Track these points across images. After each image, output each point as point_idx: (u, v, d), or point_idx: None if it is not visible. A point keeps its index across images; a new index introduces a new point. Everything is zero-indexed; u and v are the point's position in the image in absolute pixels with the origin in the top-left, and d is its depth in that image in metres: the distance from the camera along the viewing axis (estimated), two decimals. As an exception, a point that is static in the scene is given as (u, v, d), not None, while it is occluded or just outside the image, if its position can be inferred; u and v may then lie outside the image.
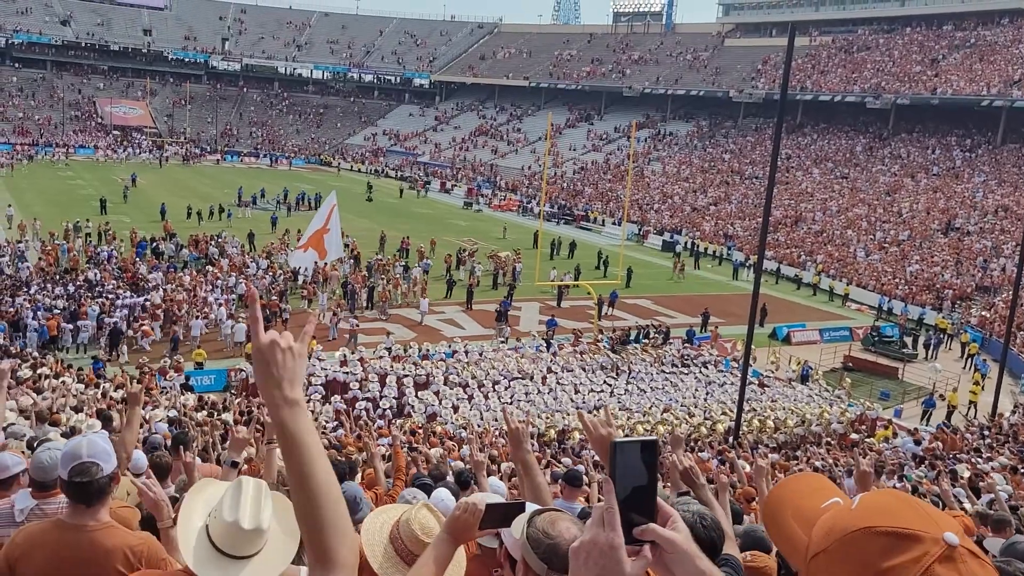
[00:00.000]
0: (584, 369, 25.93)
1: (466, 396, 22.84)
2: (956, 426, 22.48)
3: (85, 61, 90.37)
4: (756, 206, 52.07)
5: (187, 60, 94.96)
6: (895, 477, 13.36)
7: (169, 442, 7.98)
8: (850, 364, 30.02)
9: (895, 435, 21.68)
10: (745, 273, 42.28)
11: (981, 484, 10.39)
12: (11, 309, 25.14)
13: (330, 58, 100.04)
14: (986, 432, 19.91)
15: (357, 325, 28.52)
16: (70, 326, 24.95)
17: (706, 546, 2.81)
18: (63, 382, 15.59)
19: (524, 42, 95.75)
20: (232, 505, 2.54)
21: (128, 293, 27.80)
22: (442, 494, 4.21)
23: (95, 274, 29.81)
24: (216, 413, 15.23)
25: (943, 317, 35.33)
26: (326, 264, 31.90)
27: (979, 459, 15.78)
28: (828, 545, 1.09)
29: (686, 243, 49.49)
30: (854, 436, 21.55)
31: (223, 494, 2.62)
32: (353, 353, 25.21)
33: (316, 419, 17.09)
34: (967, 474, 13.43)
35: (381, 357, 24.79)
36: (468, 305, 32.27)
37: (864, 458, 5.52)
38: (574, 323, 31.00)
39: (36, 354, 21.24)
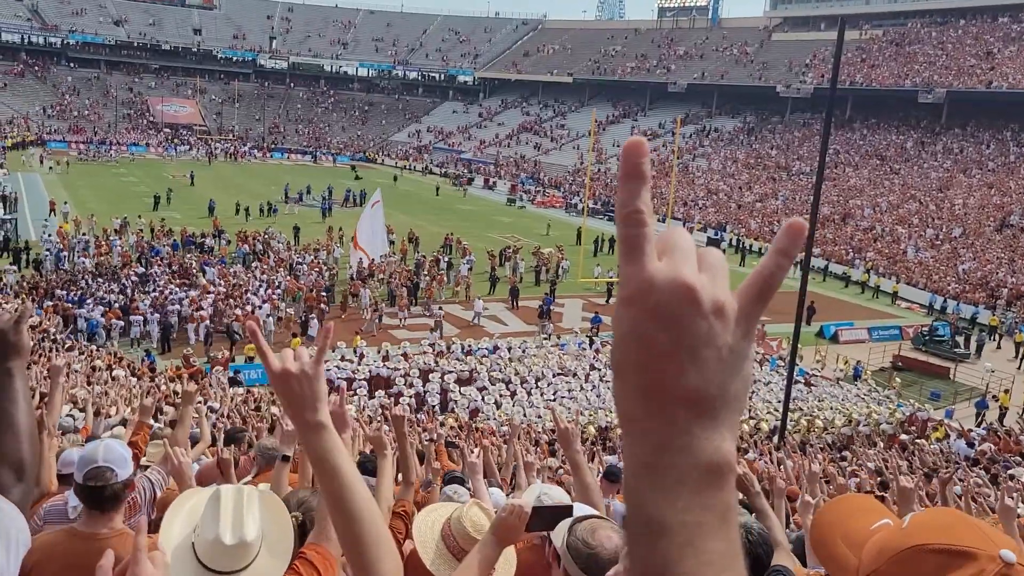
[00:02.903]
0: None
1: (508, 392, 22.90)
2: (1010, 428, 21.94)
3: (137, 60, 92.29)
4: (803, 202, 51.28)
5: (235, 59, 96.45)
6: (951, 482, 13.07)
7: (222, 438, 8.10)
8: (900, 363, 29.45)
9: (947, 436, 21.23)
10: (792, 270, 41.60)
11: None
12: (68, 304, 25.82)
13: (375, 56, 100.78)
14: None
15: (443, 313, 29.15)
16: (120, 322, 25.52)
17: (752, 560, 2.76)
18: (115, 376, 15.97)
19: (568, 38, 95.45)
20: (211, 521, 2.46)
21: (178, 289, 28.34)
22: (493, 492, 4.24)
23: (149, 269, 30.46)
24: (261, 408, 15.45)
25: (995, 315, 34.49)
26: (372, 260, 32.25)
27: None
28: (879, 566, 1.07)
29: (731, 239, 48.95)
30: (904, 437, 21.15)
31: (203, 508, 2.54)
32: (440, 338, 26.53)
33: (362, 412, 17.25)
34: None
35: (425, 352, 24.97)
36: (513, 304, 32.29)
37: (903, 475, 5.41)
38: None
39: (91, 346, 21.77)
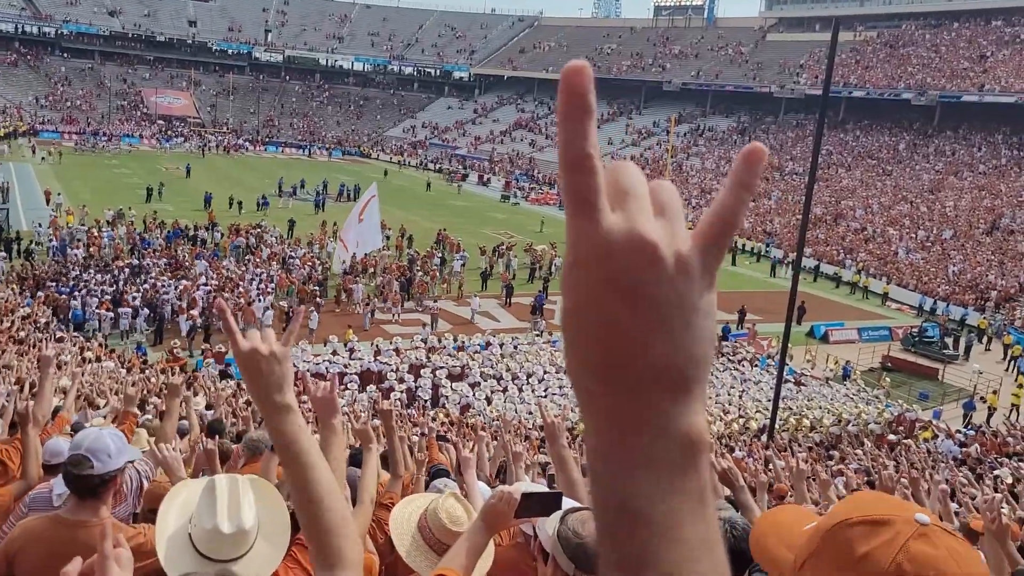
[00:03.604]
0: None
1: (500, 388, 22.95)
2: (997, 429, 22.08)
3: (132, 52, 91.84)
4: (796, 203, 51.42)
5: (230, 51, 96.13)
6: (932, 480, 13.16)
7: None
8: (889, 364, 29.60)
9: (934, 436, 21.36)
10: (783, 270, 41.80)
11: (1018, 489, 10.21)
12: (59, 295, 25.77)
13: (371, 50, 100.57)
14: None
15: (435, 308, 29.22)
16: (110, 313, 25.46)
17: (736, 555, 2.80)
18: (104, 367, 15.96)
19: (564, 35, 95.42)
20: (208, 509, 2.47)
21: (170, 281, 28.30)
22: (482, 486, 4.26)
23: (141, 261, 30.40)
24: (251, 402, 15.44)
25: (984, 318, 34.68)
26: (365, 255, 32.19)
27: (1022, 463, 15.50)
28: (813, 548, 1.13)
29: (724, 239, 48.94)
30: (892, 437, 21.27)
31: (198, 498, 2.55)
32: (432, 334, 26.65)
33: (353, 405, 17.27)
34: (1009, 479, 13.21)
35: (417, 348, 25.00)
36: (507, 301, 32.32)
37: (887, 469, 5.48)
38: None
39: (80, 336, 21.73)
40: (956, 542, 1.09)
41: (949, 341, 31.87)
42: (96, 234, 33.84)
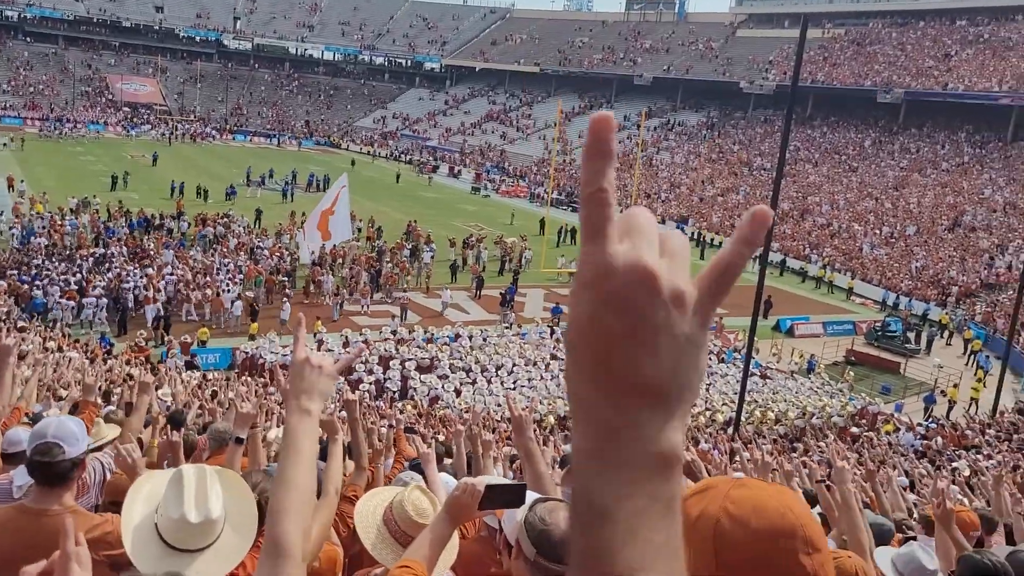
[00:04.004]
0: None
1: (469, 380, 22.97)
2: (957, 422, 22.53)
3: (96, 37, 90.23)
4: (763, 198, 51.87)
5: (198, 38, 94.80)
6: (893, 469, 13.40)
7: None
8: (853, 358, 30.05)
9: (896, 429, 21.75)
10: (750, 264, 42.17)
11: (974, 480, 10.44)
12: (20, 283, 25.33)
13: (341, 40, 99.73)
14: (987, 429, 19.95)
15: (406, 299, 29.32)
16: (72, 303, 25.08)
17: None
18: (68, 358, 15.73)
19: (536, 28, 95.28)
20: (175, 499, 2.47)
21: (136, 270, 27.94)
22: (445, 478, 4.27)
23: (106, 250, 29.97)
24: (216, 393, 15.34)
25: (946, 313, 35.32)
26: (334, 247, 31.93)
27: (979, 456, 15.83)
28: None
29: (692, 233, 49.37)
30: (854, 430, 21.63)
31: (165, 488, 2.55)
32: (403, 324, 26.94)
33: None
34: (967, 471, 13.49)
35: (386, 340, 24.92)
36: (477, 294, 32.32)
37: (841, 458, 5.59)
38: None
39: (41, 326, 21.39)
40: (772, 486, 1.24)
41: (911, 336, 32.42)
42: (59, 222, 33.29)
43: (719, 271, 0.69)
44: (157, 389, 14.01)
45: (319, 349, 23.40)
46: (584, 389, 0.66)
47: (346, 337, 24.61)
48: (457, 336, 26.15)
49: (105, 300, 25.56)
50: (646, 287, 0.64)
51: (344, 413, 4.76)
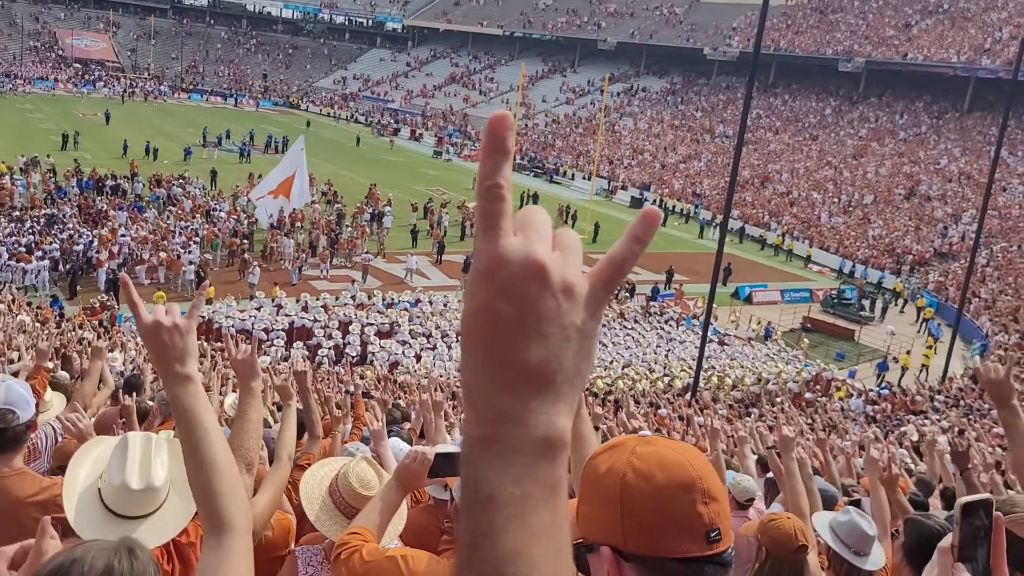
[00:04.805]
0: (547, 322, 26.08)
1: (430, 346, 22.95)
2: (907, 388, 23.08)
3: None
4: (725, 165, 52.22)
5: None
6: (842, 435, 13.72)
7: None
8: (809, 325, 30.55)
9: (849, 395, 22.23)
10: (711, 231, 42.58)
11: (922, 447, 10.69)
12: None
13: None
14: (936, 395, 20.47)
15: (370, 259, 29.45)
16: (22, 264, 24.43)
17: None
18: (21, 321, 15.39)
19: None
20: (119, 466, 2.46)
21: (87, 232, 27.35)
22: (399, 445, 4.25)
23: (56, 211, 29.25)
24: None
25: (900, 281, 36.01)
26: (293, 210, 31.54)
27: (927, 421, 16.25)
28: (581, 489, 1.30)
29: (655, 200, 49.60)
30: (808, 395, 22.06)
31: (110, 455, 2.54)
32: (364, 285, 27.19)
33: (278, 363, 17.06)
34: (915, 436, 13.85)
35: (345, 305, 24.76)
36: (438, 259, 32.19)
37: (785, 425, 5.70)
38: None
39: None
40: (676, 443, 1.33)
41: (866, 303, 33.03)
42: (9, 182, 32.38)
43: (611, 266, 0.71)
44: (110, 352, 13.78)
45: (278, 314, 23.23)
46: (475, 376, 0.68)
47: (305, 302, 24.40)
48: (417, 301, 26.07)
49: (47, 262, 24.87)
50: (537, 277, 0.66)
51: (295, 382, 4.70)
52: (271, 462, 3.57)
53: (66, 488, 2.51)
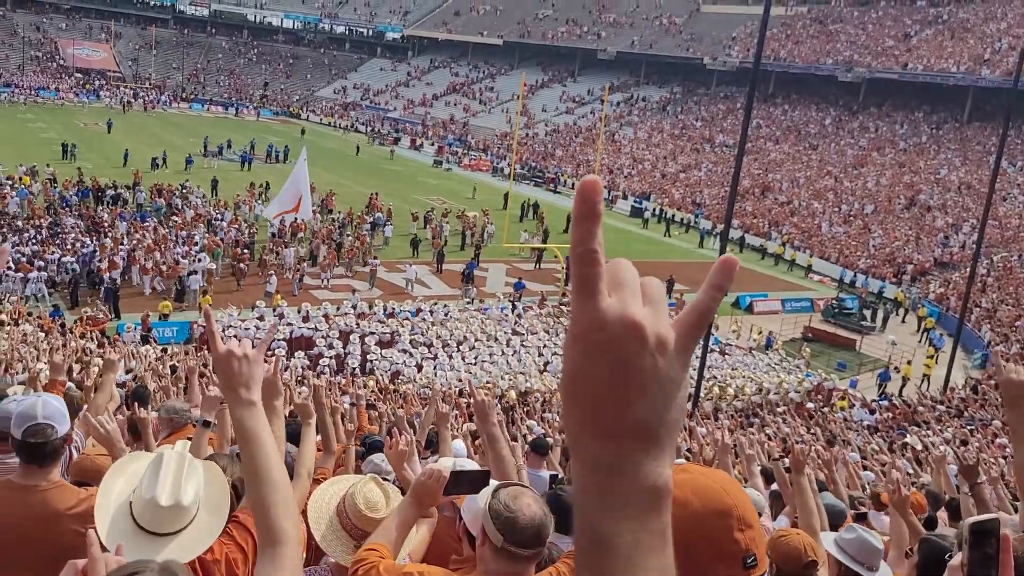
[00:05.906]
0: (548, 332, 26.11)
1: (431, 356, 22.94)
2: (909, 398, 23.05)
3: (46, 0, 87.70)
4: (725, 175, 52.30)
5: (153, 3, 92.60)
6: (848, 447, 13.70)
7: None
8: (810, 335, 30.53)
9: (851, 405, 22.20)
10: (711, 241, 42.62)
11: (924, 456, 10.70)
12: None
13: (301, 7, 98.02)
14: (937, 405, 20.46)
15: (377, 265, 29.69)
16: (20, 275, 24.42)
17: None
18: (23, 331, 15.41)
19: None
20: (151, 481, 2.50)
21: (89, 241, 27.36)
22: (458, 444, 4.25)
23: (57, 221, 29.26)
24: (175, 368, 15.14)
25: (901, 291, 36.03)
26: (295, 220, 31.54)
27: (929, 432, 16.23)
28: None
29: (654, 209, 49.67)
30: (810, 406, 22.03)
31: (145, 469, 2.58)
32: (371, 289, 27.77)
33: (282, 372, 17.07)
34: (919, 445, 13.84)
35: (346, 314, 24.76)
36: (438, 268, 32.21)
37: (799, 443, 5.71)
38: (542, 286, 31.10)
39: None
40: (710, 470, 1.36)
41: (867, 313, 33.04)
42: (8, 191, 32.42)
43: (695, 315, 0.74)
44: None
45: (279, 323, 23.22)
46: (583, 435, 0.71)
47: (306, 311, 24.40)
48: (418, 311, 26.07)
49: (44, 273, 24.85)
50: (635, 337, 0.69)
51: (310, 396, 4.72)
52: (291, 476, 3.59)
53: (99, 501, 2.55)
